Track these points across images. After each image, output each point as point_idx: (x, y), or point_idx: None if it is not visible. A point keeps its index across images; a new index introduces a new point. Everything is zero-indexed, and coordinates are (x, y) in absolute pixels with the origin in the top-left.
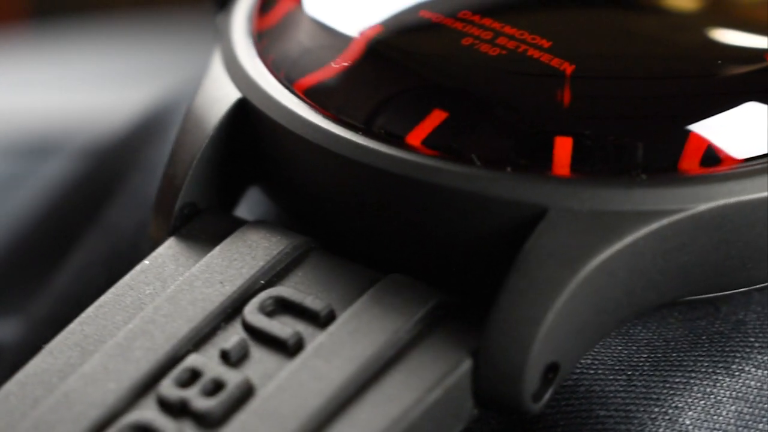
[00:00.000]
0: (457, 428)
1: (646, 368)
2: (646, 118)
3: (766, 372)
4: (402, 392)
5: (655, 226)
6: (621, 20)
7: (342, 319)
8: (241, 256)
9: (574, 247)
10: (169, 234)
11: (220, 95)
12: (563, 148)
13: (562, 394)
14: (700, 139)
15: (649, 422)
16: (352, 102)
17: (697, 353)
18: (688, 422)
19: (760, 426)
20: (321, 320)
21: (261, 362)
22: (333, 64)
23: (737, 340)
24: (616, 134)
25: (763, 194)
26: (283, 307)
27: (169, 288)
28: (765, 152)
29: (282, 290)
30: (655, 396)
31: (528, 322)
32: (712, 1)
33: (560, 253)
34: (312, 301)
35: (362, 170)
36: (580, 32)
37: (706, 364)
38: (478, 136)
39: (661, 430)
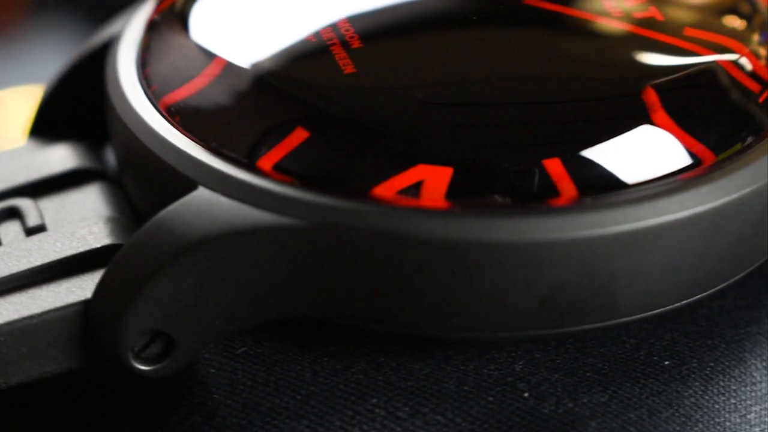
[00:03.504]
0: (70, 364)
1: (292, 376)
2: (334, 124)
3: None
4: (4, 310)
5: (270, 229)
6: (454, 41)
7: (36, 237)
8: (30, 165)
9: (192, 227)
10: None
11: (107, 32)
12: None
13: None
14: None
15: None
16: (144, 61)
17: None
18: None
19: None
20: (28, 233)
21: None
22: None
23: (413, 389)
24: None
25: (382, 228)
26: (13, 215)
27: None
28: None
29: (24, 202)
30: (279, 405)
31: (126, 284)
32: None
33: (179, 228)
34: (33, 217)
35: (119, 122)
36: (399, 47)
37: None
38: (198, 108)
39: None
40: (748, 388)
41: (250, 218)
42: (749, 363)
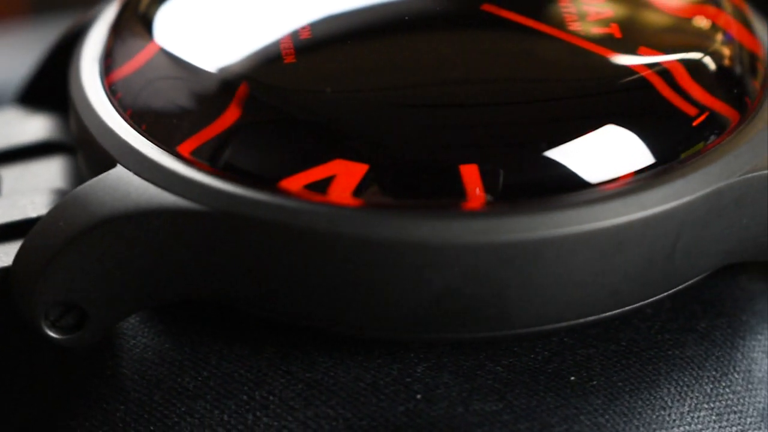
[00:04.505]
0: None
1: (187, 364)
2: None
3: None
4: None
5: (173, 212)
6: (395, 43)
7: None
8: (4, 132)
9: (101, 204)
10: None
11: (99, 8)
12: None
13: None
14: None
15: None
16: (107, 39)
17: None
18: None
19: None
20: None
21: None
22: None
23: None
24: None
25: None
26: None
27: None
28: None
29: None
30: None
31: (38, 255)
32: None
33: (90, 204)
34: None
35: (69, 95)
36: (342, 44)
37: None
38: (131, 88)
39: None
40: (655, 413)
41: (156, 200)
42: (662, 387)
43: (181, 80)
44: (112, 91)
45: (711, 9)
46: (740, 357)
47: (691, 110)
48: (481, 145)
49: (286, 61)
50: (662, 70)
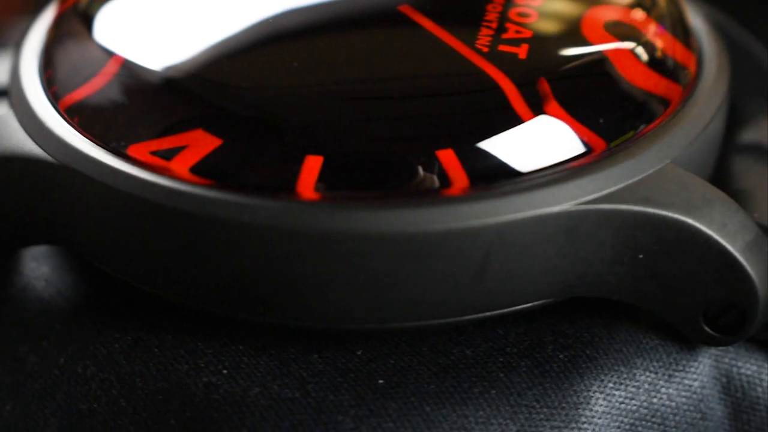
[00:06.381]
0: None
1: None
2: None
3: None
4: None
5: (27, 159)
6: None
7: None
8: None
9: None
10: None
11: None
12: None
13: None
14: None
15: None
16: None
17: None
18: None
19: None
20: None
21: None
22: None
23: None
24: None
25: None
26: None
27: None
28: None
29: None
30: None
31: None
32: None
33: None
34: None
35: None
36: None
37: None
38: (46, 40)
39: None
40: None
41: (19, 146)
42: (470, 407)
43: (71, 38)
44: (45, 38)
45: (622, 47)
46: (571, 393)
47: (543, 130)
48: (301, 135)
49: (158, 37)
50: (525, 86)
